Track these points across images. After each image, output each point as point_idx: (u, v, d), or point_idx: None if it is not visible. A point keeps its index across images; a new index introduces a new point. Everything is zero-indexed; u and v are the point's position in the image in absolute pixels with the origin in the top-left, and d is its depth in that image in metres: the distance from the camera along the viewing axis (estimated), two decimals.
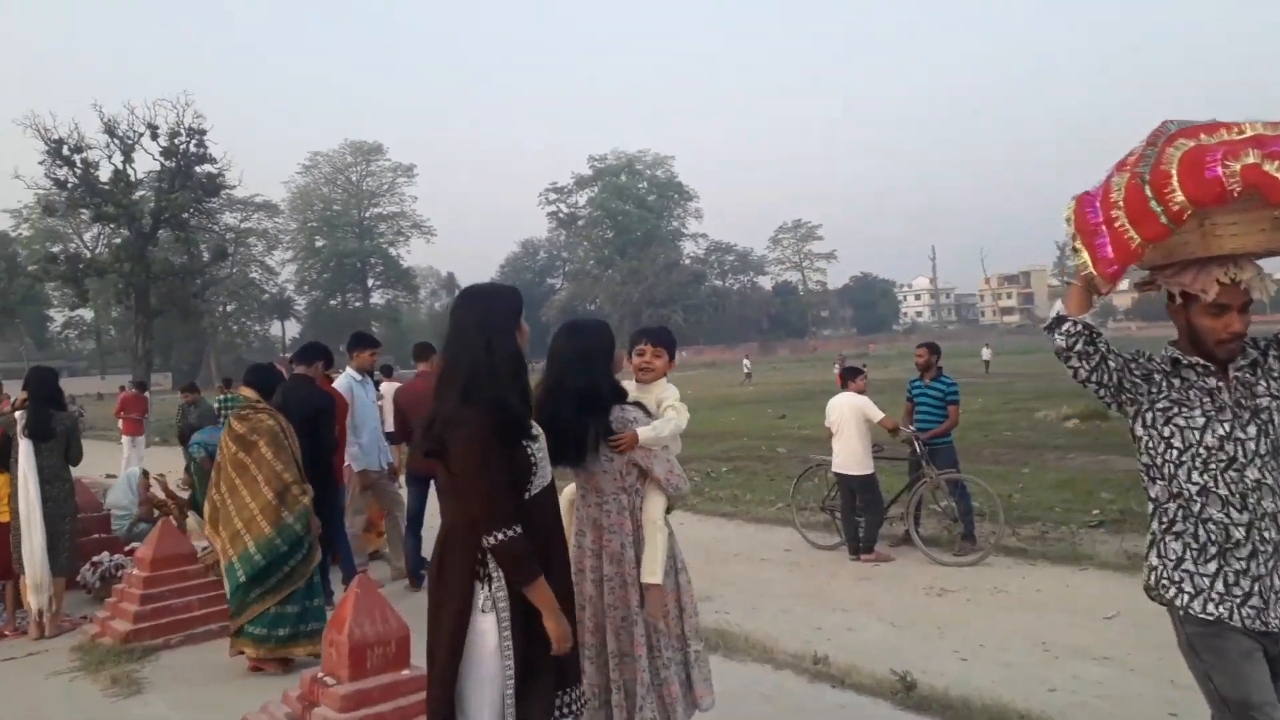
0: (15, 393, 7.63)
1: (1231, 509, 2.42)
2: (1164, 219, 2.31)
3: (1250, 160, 2.21)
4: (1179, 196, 2.27)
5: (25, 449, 6.04)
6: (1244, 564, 2.41)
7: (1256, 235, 2.36)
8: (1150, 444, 2.55)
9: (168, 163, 41.73)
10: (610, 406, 3.06)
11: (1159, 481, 2.55)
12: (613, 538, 3.07)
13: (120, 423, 16.53)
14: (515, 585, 2.45)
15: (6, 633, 6.17)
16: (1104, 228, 2.44)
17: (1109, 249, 2.43)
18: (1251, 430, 2.45)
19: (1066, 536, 7.90)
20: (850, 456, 7.65)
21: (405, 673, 3.91)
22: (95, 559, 6.97)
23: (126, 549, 7.17)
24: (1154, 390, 2.54)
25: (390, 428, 7.92)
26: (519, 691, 2.44)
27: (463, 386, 2.47)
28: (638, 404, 3.15)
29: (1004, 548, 7.40)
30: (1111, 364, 2.56)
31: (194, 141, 41.80)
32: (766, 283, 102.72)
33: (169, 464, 14.38)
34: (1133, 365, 2.57)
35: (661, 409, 3.23)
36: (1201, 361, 2.50)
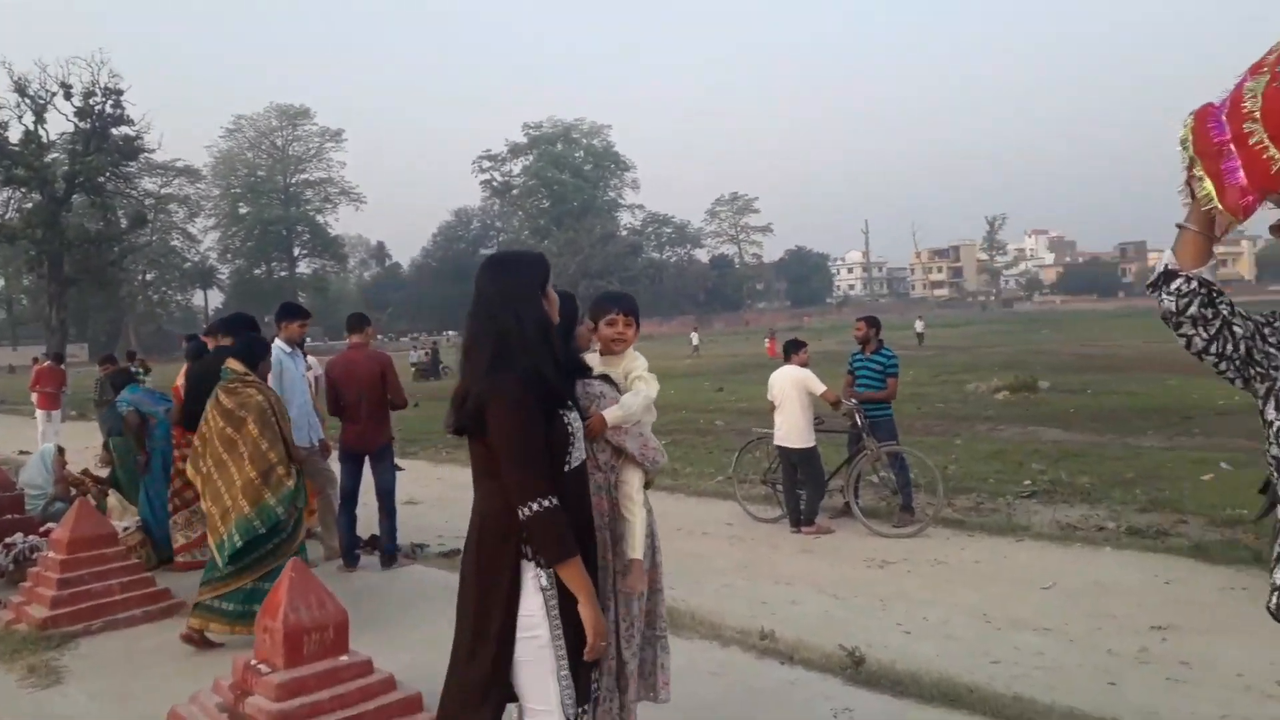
0: None
1: None
2: None
3: None
4: None
5: None
6: None
7: None
8: None
9: (82, 124, 39.74)
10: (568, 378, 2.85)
11: None
12: None
13: (35, 396, 15.85)
14: (548, 562, 2.30)
15: None
16: (1233, 146, 1.85)
17: (1240, 174, 1.84)
18: None
19: (1001, 507, 8.05)
20: (792, 430, 7.66)
21: (344, 659, 3.76)
22: (8, 540, 6.64)
23: (42, 530, 6.86)
24: None
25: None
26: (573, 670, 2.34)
27: (491, 356, 2.34)
28: (604, 377, 2.96)
29: (942, 519, 7.51)
30: (1237, 330, 1.91)
31: (110, 102, 39.88)
32: (703, 255, 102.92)
33: (86, 439, 13.87)
34: (1265, 331, 1.93)
35: (630, 381, 3.07)
36: None
